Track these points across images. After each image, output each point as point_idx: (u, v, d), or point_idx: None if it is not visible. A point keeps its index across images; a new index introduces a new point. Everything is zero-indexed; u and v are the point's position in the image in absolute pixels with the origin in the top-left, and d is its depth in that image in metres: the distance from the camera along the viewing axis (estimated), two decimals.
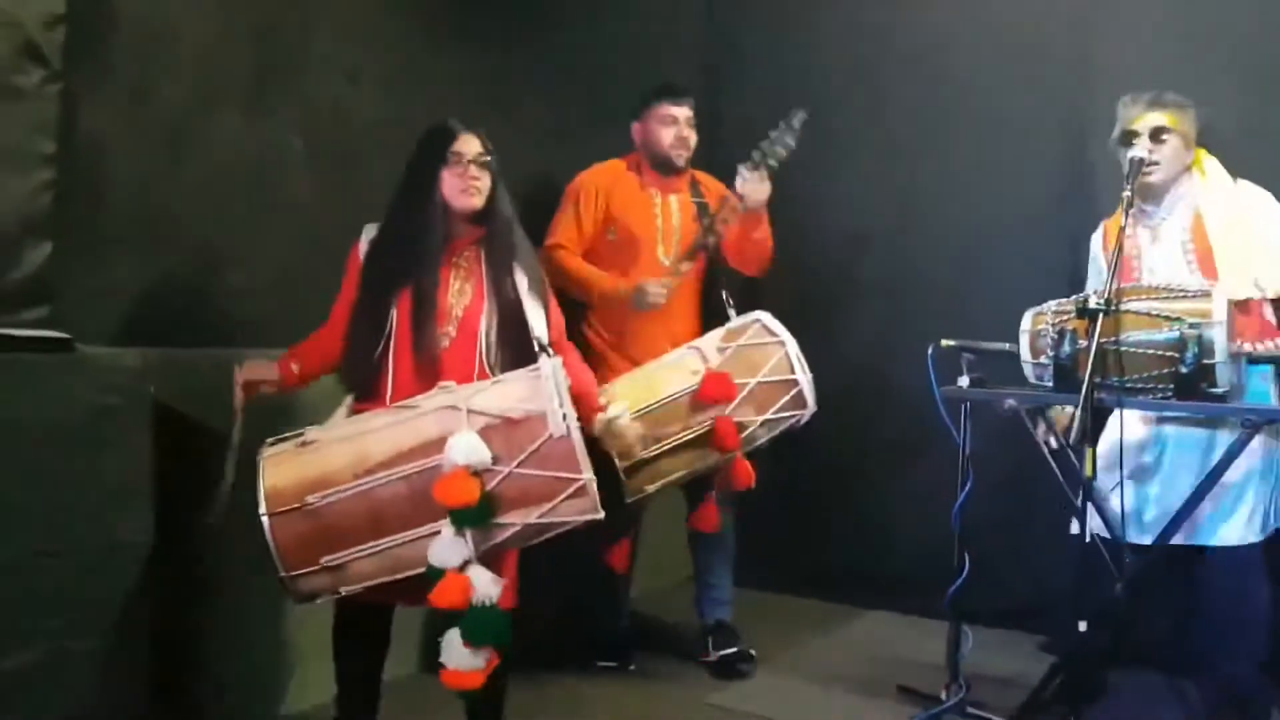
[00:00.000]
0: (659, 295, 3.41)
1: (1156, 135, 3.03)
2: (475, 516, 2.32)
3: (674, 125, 3.58)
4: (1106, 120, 3.20)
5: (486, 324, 2.65)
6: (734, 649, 3.59)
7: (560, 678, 3.50)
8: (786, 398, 3.09)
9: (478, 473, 2.32)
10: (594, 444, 2.65)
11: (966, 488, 3.08)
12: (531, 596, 2.65)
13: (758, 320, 3.20)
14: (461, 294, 2.66)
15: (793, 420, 3.11)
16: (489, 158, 2.66)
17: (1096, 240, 3.31)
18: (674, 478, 3.09)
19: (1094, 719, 2.90)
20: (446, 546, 2.32)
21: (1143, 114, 3.06)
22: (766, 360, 3.08)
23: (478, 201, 2.65)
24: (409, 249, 2.64)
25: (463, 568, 2.32)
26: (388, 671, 2.75)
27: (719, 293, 3.59)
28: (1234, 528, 2.91)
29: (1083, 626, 2.85)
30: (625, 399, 2.94)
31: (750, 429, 3.07)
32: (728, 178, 3.53)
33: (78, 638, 2.40)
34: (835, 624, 4.12)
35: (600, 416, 2.73)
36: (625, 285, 3.48)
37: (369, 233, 2.72)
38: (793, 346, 3.12)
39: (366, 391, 2.61)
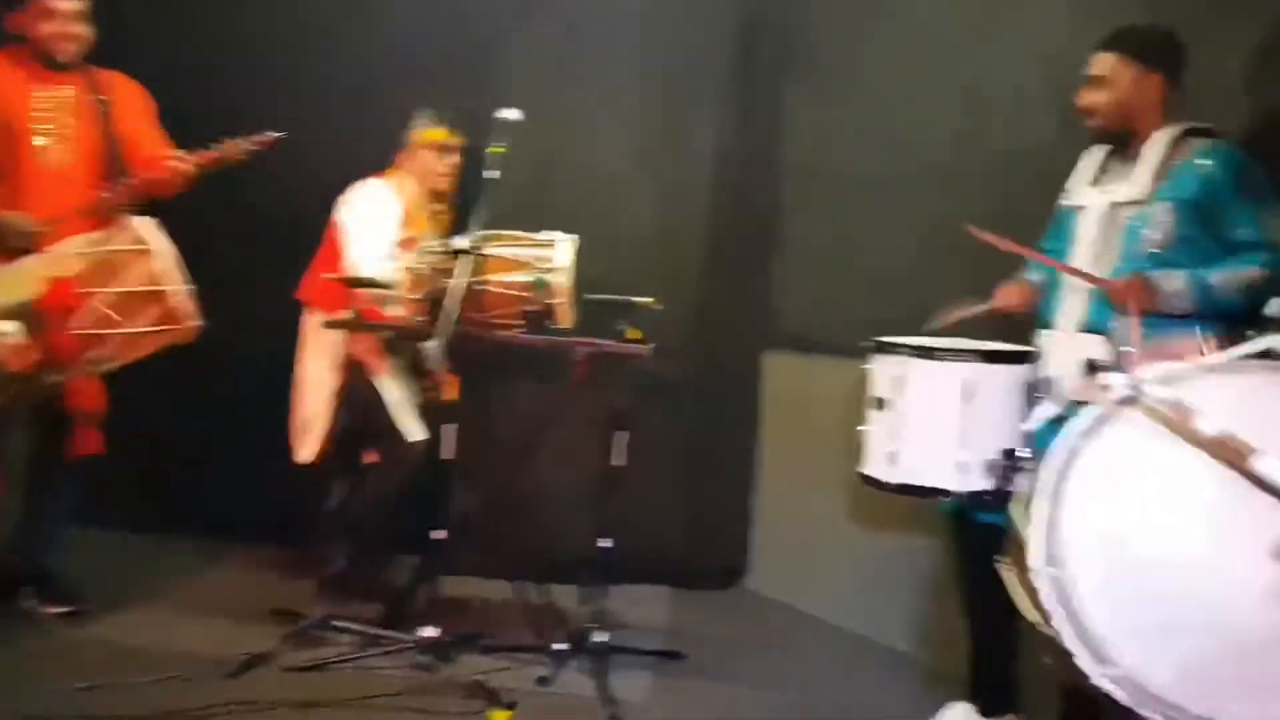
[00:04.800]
0: (23, 229, 3.13)
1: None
2: None
3: (54, 19, 3.32)
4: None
5: None
6: (71, 609, 3.44)
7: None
8: (153, 308, 2.99)
9: None
10: None
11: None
12: None
13: (133, 227, 3.05)
14: None
15: (167, 335, 3.03)
16: None
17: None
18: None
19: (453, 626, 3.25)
20: None
21: None
22: (129, 267, 2.97)
23: None
24: None
25: None
26: None
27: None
28: None
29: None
30: None
31: (108, 345, 2.98)
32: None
33: None
34: (212, 562, 4.15)
35: None
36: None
37: None
38: (165, 259, 3.00)
39: None
